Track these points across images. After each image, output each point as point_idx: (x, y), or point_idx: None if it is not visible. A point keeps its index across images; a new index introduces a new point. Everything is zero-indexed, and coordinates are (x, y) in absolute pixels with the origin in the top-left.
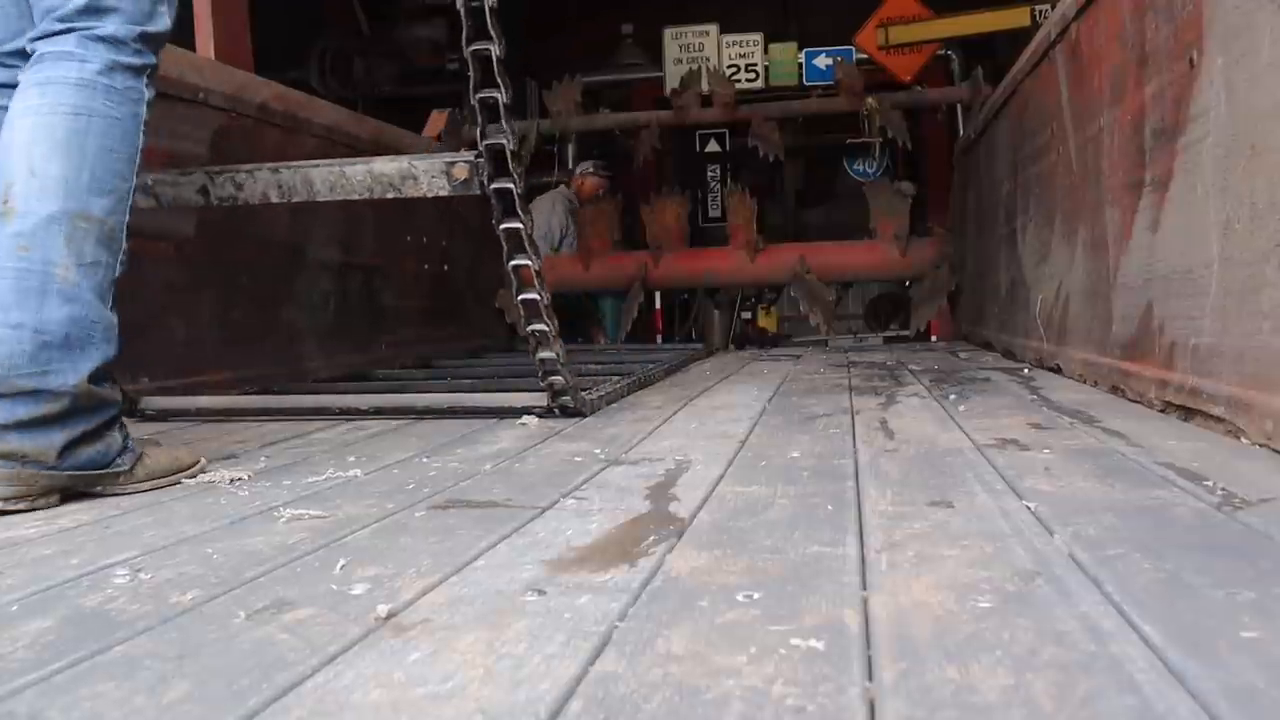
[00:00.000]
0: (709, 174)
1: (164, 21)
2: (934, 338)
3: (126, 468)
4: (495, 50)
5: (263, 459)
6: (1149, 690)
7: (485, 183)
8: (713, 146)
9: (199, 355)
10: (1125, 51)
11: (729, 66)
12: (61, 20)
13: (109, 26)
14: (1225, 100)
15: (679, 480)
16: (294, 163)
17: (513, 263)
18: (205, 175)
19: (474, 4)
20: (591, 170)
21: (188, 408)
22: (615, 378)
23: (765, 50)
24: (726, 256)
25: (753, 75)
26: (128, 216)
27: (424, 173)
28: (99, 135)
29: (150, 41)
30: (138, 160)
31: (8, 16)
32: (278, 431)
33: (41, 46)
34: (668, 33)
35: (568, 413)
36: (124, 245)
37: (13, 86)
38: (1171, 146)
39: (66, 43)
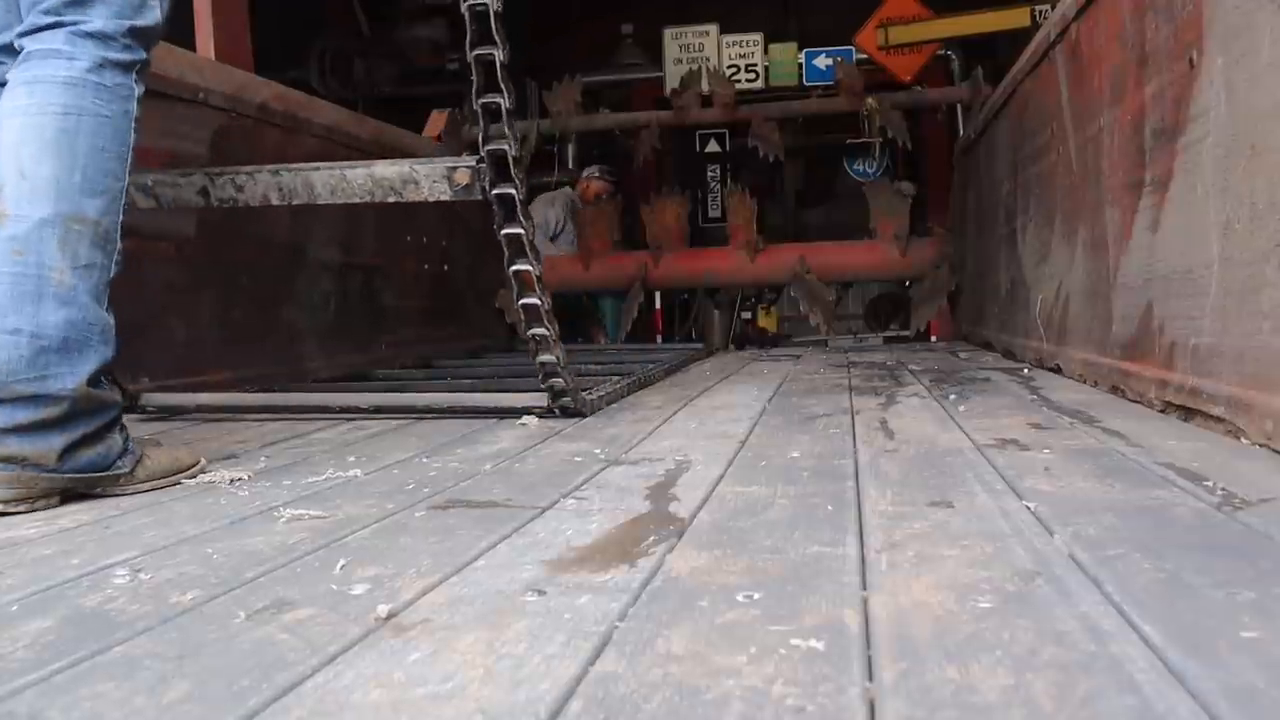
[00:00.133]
0: (709, 174)
1: (154, 15)
2: (934, 338)
3: (127, 470)
4: (499, 55)
5: (263, 459)
6: (1149, 690)
7: (487, 188)
8: (713, 146)
9: (199, 355)
10: (1125, 51)
11: (729, 67)
12: (47, 13)
13: (96, 21)
14: (1225, 100)
15: (679, 480)
16: (295, 165)
17: (514, 268)
18: (205, 177)
19: (478, 8)
20: (597, 175)
21: (188, 405)
22: (615, 378)
23: (765, 50)
24: (726, 256)
25: (753, 75)
26: (122, 216)
27: (425, 177)
28: (89, 134)
29: (140, 36)
30: (130, 158)
31: None
32: (278, 431)
33: (29, 44)
34: (668, 33)
35: (568, 413)
36: (118, 245)
37: (2, 84)
38: (1171, 146)
39: (54, 39)
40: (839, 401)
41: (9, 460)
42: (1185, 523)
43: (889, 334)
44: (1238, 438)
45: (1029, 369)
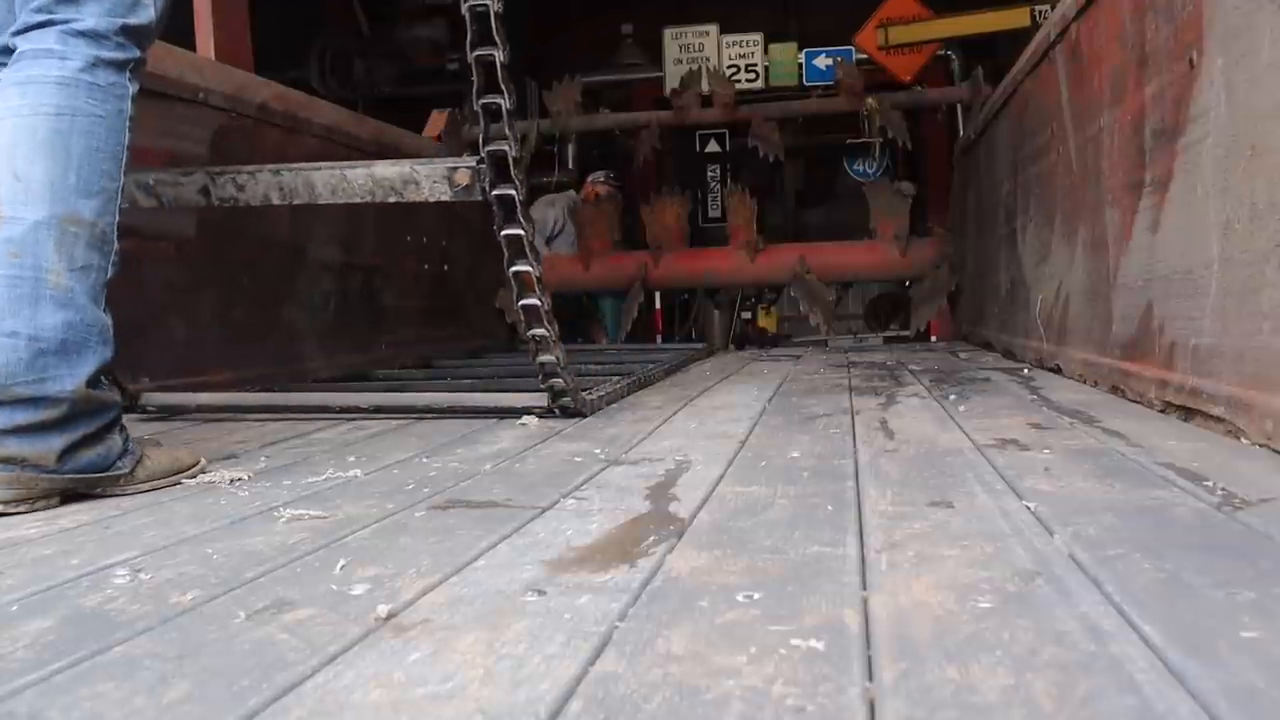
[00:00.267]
0: (709, 174)
1: (148, 14)
2: (934, 338)
3: (127, 470)
4: (499, 56)
5: (263, 459)
6: (1149, 690)
7: (487, 188)
8: (713, 146)
9: (199, 355)
10: (1125, 52)
11: (729, 67)
12: (38, 11)
13: (88, 20)
14: (1225, 101)
15: (679, 480)
16: (296, 165)
17: (514, 268)
18: (206, 176)
19: (479, 9)
20: (603, 180)
21: (188, 404)
22: (615, 378)
23: (765, 50)
24: (726, 256)
25: (753, 75)
26: (118, 216)
27: (426, 177)
28: (83, 135)
29: (133, 34)
30: (125, 158)
31: None
32: (278, 431)
33: (21, 44)
34: (668, 33)
35: (568, 413)
36: (115, 246)
37: None
38: (1171, 147)
39: (46, 39)
40: (839, 401)
41: (9, 461)
42: (1185, 523)
43: (889, 334)
44: (1238, 438)
45: (1029, 369)
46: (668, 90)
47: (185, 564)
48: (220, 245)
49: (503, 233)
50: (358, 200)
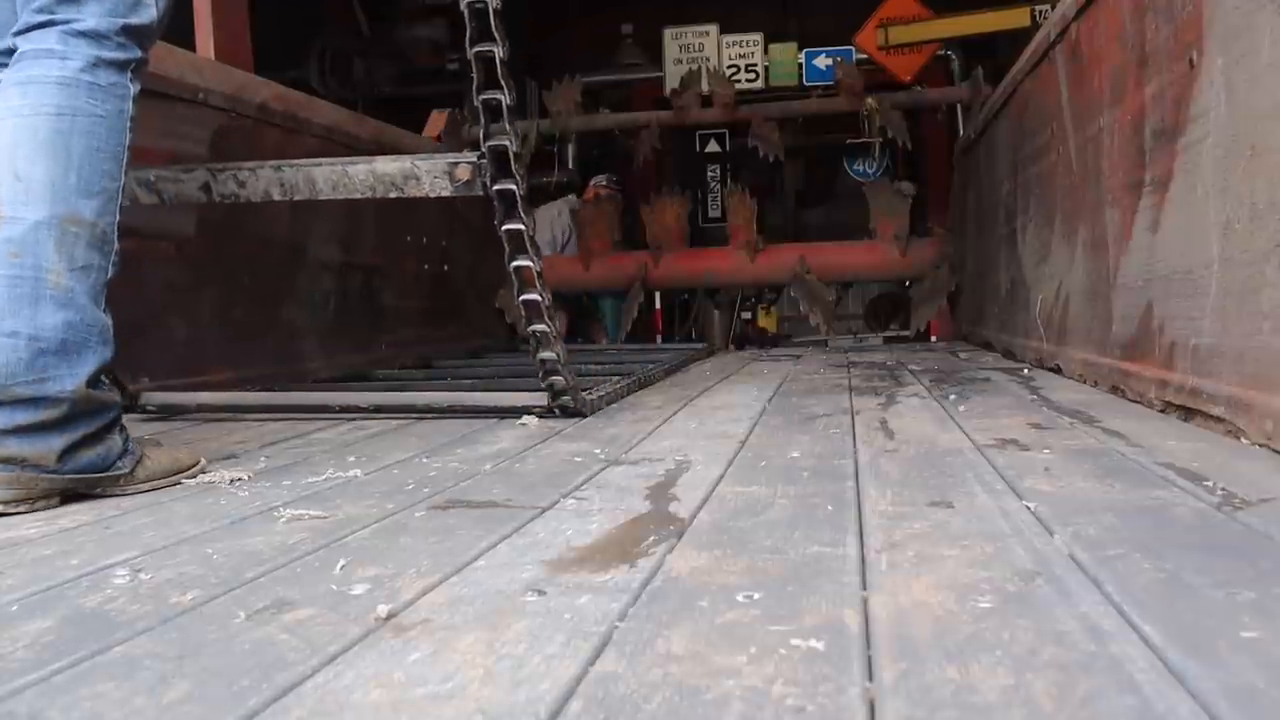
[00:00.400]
0: (709, 174)
1: (149, 14)
2: (934, 338)
3: (127, 470)
4: (499, 52)
5: (263, 459)
6: (1149, 690)
7: (488, 184)
8: (713, 147)
9: (199, 354)
10: (1125, 52)
11: (729, 67)
12: (39, 11)
13: (89, 20)
14: (1225, 101)
15: (679, 480)
16: (297, 161)
17: (514, 264)
18: (208, 172)
19: (478, 5)
20: (605, 184)
21: (188, 403)
22: (615, 378)
23: (765, 50)
24: (726, 256)
25: (753, 75)
26: (118, 216)
27: (426, 173)
28: (84, 135)
29: (134, 34)
30: (126, 158)
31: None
32: (278, 431)
33: (22, 43)
34: (668, 33)
35: (568, 413)
36: (116, 246)
37: None
38: (1171, 147)
39: (47, 39)
40: (839, 401)
41: (9, 461)
42: (1185, 523)
43: (889, 334)
44: (1238, 438)
45: (1029, 369)
46: (668, 90)
47: (185, 564)
48: (220, 244)
49: (504, 227)
50: (358, 195)
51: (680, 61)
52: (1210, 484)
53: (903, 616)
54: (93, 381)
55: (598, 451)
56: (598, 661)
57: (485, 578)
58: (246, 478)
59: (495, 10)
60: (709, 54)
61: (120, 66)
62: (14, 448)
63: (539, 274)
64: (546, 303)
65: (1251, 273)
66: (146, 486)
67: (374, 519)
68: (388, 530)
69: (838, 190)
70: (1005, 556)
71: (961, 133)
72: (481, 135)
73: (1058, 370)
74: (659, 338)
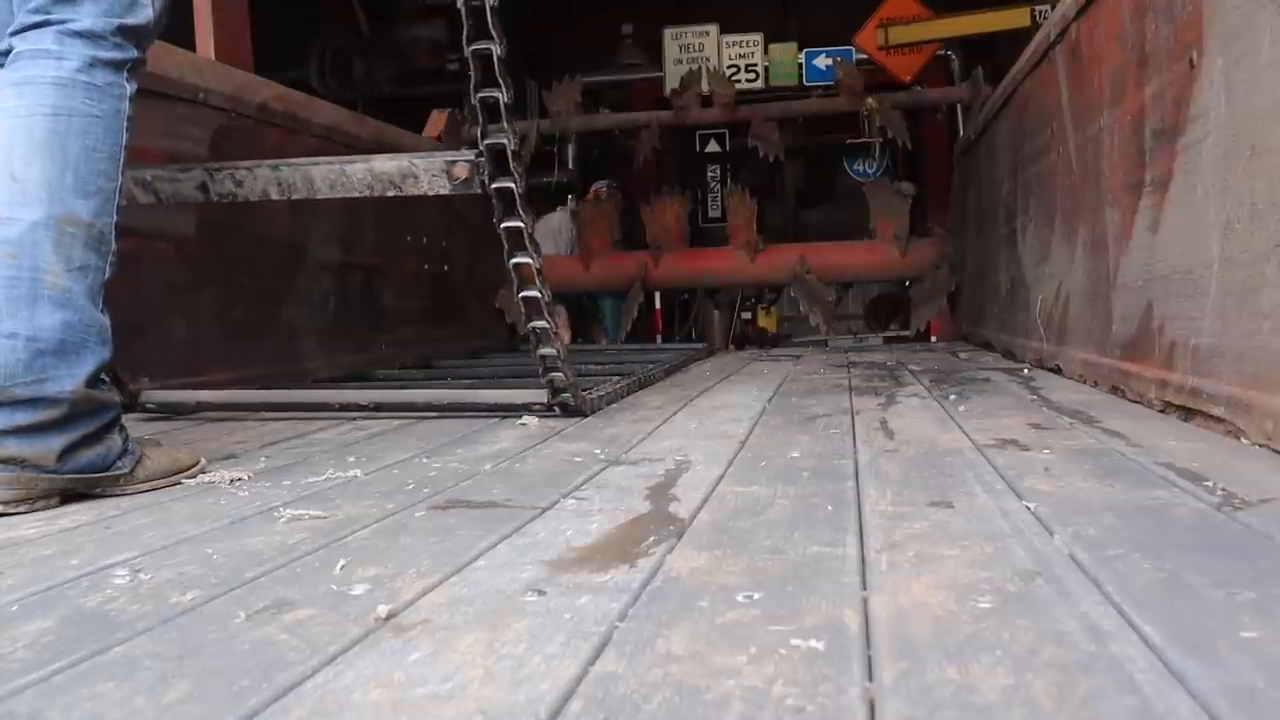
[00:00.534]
0: (709, 174)
1: (146, 14)
2: (934, 338)
3: (126, 470)
4: (496, 49)
5: (263, 459)
6: (1149, 690)
7: (486, 182)
8: (713, 146)
9: (199, 354)
10: (1125, 52)
11: (729, 67)
12: (35, 11)
13: (85, 20)
14: (1225, 101)
15: (679, 480)
16: (294, 160)
17: (514, 260)
18: (205, 172)
19: (475, 3)
20: (605, 188)
21: (188, 402)
22: (615, 378)
23: (765, 50)
24: (726, 256)
25: (753, 75)
26: (115, 217)
27: (425, 171)
28: (80, 135)
29: (130, 34)
30: (123, 158)
31: None
32: (278, 431)
33: (18, 43)
34: (668, 33)
35: (568, 411)
36: (113, 246)
37: None
38: (1171, 147)
39: (43, 39)
40: (839, 402)
41: (9, 461)
42: (1185, 523)
43: (889, 334)
44: (1238, 438)
45: (1029, 369)
46: (668, 90)
47: (185, 564)
48: (219, 244)
49: (502, 225)
50: (356, 194)
51: (680, 61)
52: (1210, 484)
53: (903, 616)
54: (92, 381)
55: (598, 451)
56: (598, 661)
57: (485, 578)
58: (246, 478)
59: (492, 8)
60: (709, 54)
61: (116, 67)
62: (13, 448)
63: (539, 270)
64: (546, 299)
65: (1251, 273)
66: (146, 486)
67: (374, 519)
68: (388, 530)
69: (838, 190)
70: (1005, 556)
71: (961, 133)
72: (479, 133)
73: (1058, 370)
74: (659, 338)
